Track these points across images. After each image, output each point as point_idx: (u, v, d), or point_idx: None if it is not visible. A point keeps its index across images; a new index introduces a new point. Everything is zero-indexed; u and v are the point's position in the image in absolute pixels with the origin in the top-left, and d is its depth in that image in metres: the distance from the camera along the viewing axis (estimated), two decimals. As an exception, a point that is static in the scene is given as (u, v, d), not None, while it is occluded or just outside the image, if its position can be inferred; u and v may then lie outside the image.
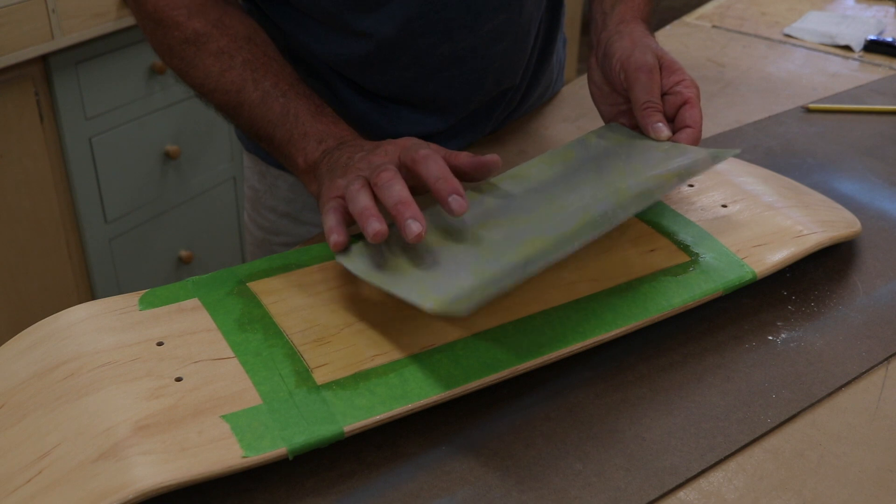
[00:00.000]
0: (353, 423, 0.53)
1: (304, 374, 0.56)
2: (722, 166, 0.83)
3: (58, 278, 1.63)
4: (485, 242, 0.64)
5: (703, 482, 0.55)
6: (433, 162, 0.62)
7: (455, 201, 0.60)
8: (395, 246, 0.64)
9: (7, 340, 0.60)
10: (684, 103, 0.75)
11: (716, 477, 0.56)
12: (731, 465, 0.57)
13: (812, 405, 0.61)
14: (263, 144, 0.76)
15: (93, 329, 0.59)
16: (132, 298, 0.62)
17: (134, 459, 0.49)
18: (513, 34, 0.88)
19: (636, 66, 0.75)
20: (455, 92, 0.88)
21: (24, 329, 0.60)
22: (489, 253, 0.62)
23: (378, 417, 0.54)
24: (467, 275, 0.60)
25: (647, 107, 0.75)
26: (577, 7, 2.79)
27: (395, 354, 0.58)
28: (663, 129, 0.74)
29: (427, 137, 0.91)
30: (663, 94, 0.76)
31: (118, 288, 1.74)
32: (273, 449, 0.51)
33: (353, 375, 0.56)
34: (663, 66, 0.76)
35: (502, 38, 0.87)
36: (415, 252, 0.63)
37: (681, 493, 0.55)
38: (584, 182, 0.71)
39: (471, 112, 0.92)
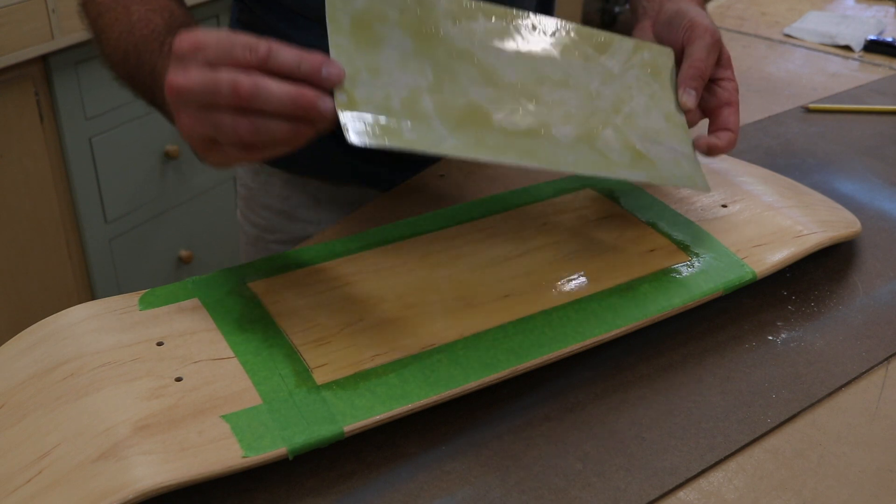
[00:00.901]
0: (353, 423, 0.53)
1: (304, 374, 0.56)
2: (722, 166, 0.83)
3: (58, 278, 1.63)
4: (444, 79, 0.59)
5: (703, 482, 0.55)
6: (285, 50, 0.53)
7: (329, 72, 0.53)
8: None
9: (7, 340, 0.60)
10: (727, 104, 0.73)
11: (716, 477, 0.56)
12: (731, 465, 0.57)
13: (812, 405, 0.61)
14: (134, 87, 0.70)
15: (93, 329, 0.59)
16: (132, 298, 0.62)
17: (134, 459, 0.49)
18: None
19: (704, 29, 0.73)
20: None
21: (24, 329, 0.60)
22: (436, 95, 0.58)
23: (378, 417, 0.54)
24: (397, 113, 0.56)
25: (694, 65, 0.72)
26: (577, 7, 2.79)
27: (395, 354, 0.58)
28: (692, 98, 0.71)
29: None
30: (710, 80, 0.74)
31: (118, 288, 1.73)
32: (273, 449, 0.51)
33: (353, 375, 0.56)
34: (721, 54, 0.74)
35: None
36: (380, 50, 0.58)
37: (681, 493, 0.55)
38: (581, 86, 0.67)
39: None
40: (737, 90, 0.74)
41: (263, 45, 0.52)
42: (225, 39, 0.53)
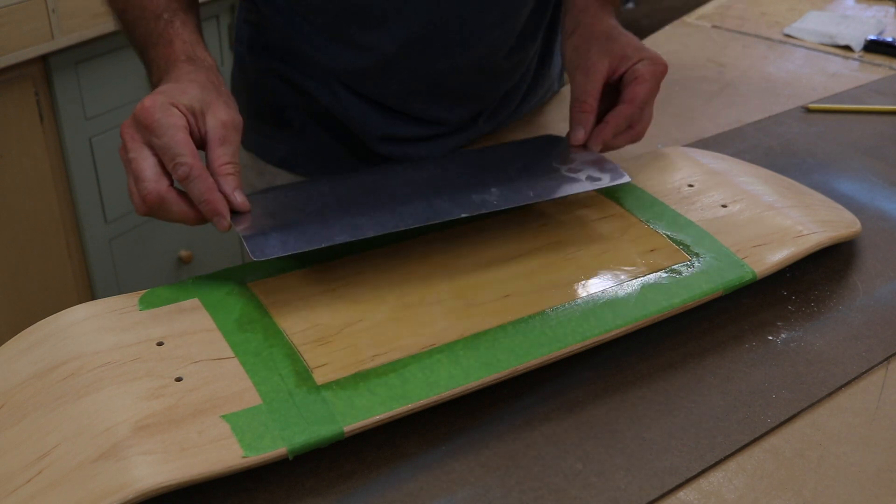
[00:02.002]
0: (353, 424, 0.53)
1: (304, 374, 0.56)
2: (722, 166, 0.83)
3: (58, 278, 1.63)
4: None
5: (703, 482, 0.55)
6: (198, 184, 0.62)
7: (218, 222, 0.63)
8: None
9: (7, 340, 0.60)
10: (634, 79, 0.74)
11: (716, 477, 0.56)
12: (731, 465, 0.57)
13: (812, 405, 0.61)
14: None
15: (93, 329, 0.59)
16: (132, 298, 0.62)
17: (134, 459, 0.49)
18: (509, 47, 0.88)
19: (575, 66, 0.76)
20: (452, 102, 0.89)
21: (24, 329, 0.60)
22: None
23: (378, 417, 0.54)
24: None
25: (574, 106, 0.75)
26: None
27: (395, 354, 0.58)
28: (579, 132, 0.74)
29: (427, 138, 0.91)
30: (621, 77, 0.75)
31: (118, 288, 1.73)
32: (273, 449, 0.51)
33: (352, 375, 0.56)
34: (617, 53, 0.75)
35: (498, 52, 0.87)
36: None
37: (681, 493, 0.55)
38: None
39: (468, 117, 0.92)
40: (651, 64, 0.75)
41: (183, 169, 0.61)
42: (165, 140, 0.61)
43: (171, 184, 0.63)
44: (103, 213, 1.66)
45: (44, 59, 1.49)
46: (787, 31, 1.29)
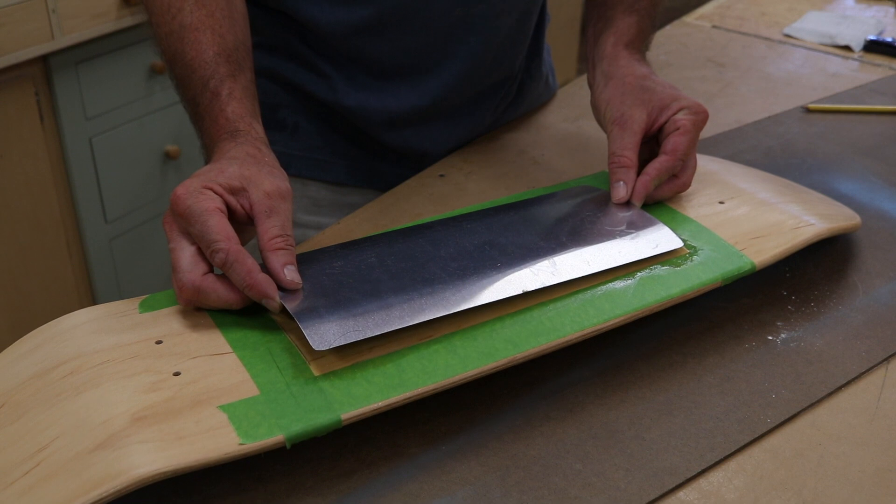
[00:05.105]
0: (350, 412, 0.53)
1: (301, 366, 0.56)
2: (718, 167, 0.83)
3: (58, 278, 1.63)
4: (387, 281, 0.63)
5: (703, 482, 0.55)
6: (236, 268, 0.59)
7: (268, 304, 0.59)
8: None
9: (7, 339, 0.60)
10: (675, 130, 0.73)
11: (716, 477, 0.56)
12: (731, 465, 0.57)
13: (812, 405, 0.61)
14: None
15: (93, 331, 0.59)
16: (132, 303, 0.62)
17: (131, 448, 0.49)
18: (519, 10, 0.88)
19: (611, 119, 0.74)
20: (458, 61, 0.87)
21: (23, 328, 0.60)
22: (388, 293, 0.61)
23: (375, 405, 0.54)
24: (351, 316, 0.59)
25: (612, 161, 0.73)
26: (577, 7, 2.79)
27: (392, 346, 0.58)
28: (621, 189, 0.72)
29: (421, 117, 0.89)
30: (661, 128, 0.74)
31: (118, 288, 1.74)
32: (270, 437, 0.51)
33: (350, 367, 0.56)
34: (655, 104, 0.74)
35: (511, 12, 0.87)
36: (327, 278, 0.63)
37: (681, 493, 0.55)
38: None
39: (468, 99, 0.91)
40: (690, 113, 0.74)
41: (220, 256, 0.58)
42: (198, 228, 0.59)
43: (211, 270, 0.60)
44: (103, 213, 1.67)
45: (44, 59, 1.49)
46: (786, 31, 1.29)
